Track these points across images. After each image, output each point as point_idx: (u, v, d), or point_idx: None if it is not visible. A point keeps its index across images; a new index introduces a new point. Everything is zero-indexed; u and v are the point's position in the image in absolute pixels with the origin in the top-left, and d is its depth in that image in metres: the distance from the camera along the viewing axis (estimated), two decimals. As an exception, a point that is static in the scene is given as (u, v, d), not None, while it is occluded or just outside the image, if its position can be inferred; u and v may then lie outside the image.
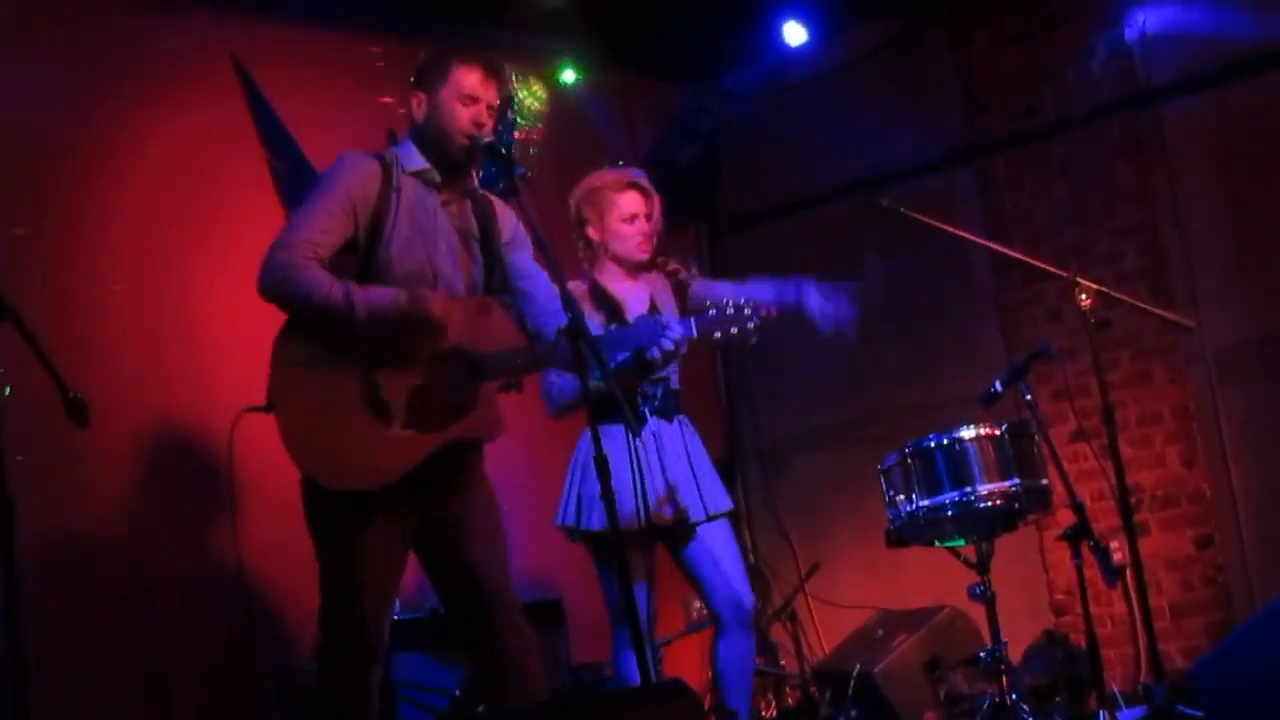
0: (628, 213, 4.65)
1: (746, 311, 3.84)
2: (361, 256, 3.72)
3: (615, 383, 3.61)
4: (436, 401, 3.66)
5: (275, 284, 3.60)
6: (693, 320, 3.87)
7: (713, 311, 3.86)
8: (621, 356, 3.84)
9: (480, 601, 3.80)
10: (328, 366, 3.63)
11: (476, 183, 3.96)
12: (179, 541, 5.21)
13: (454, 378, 3.69)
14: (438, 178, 3.86)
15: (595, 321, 4.41)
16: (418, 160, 3.85)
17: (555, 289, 3.86)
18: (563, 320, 3.61)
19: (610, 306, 4.58)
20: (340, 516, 3.67)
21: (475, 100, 3.82)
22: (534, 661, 3.82)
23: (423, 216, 3.81)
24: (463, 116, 3.80)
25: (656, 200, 4.72)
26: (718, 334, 3.83)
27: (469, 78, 3.83)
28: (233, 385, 4.65)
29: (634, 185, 4.70)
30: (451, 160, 3.84)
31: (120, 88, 5.37)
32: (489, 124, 3.83)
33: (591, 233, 4.67)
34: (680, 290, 4.72)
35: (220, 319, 5.30)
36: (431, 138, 3.85)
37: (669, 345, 3.80)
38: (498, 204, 4.01)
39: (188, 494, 5.25)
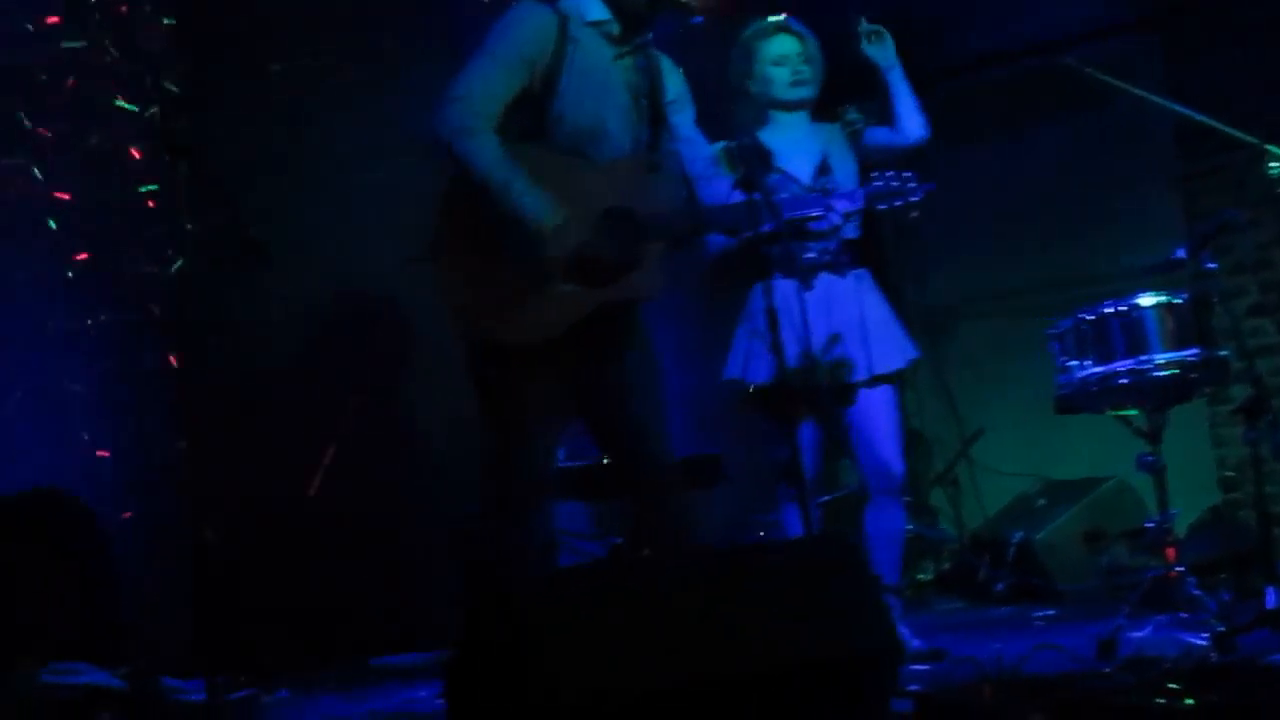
0: (776, 55, 4.59)
1: (911, 184, 3.98)
2: (533, 109, 3.67)
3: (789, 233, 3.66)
4: (601, 261, 3.62)
5: (451, 142, 3.56)
6: (861, 191, 4.02)
7: (878, 183, 4.01)
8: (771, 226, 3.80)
9: (636, 459, 3.83)
10: (494, 222, 3.57)
11: (651, 38, 3.87)
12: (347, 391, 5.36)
13: (619, 238, 3.63)
14: (616, 30, 3.78)
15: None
16: (599, 10, 3.77)
17: (710, 155, 3.96)
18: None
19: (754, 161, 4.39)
20: (505, 370, 3.67)
21: None
22: (686, 517, 3.85)
23: (597, 71, 3.74)
24: None
25: (811, 41, 4.63)
26: (882, 205, 4.02)
27: None
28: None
29: (782, 29, 4.62)
30: (634, 10, 3.77)
31: None
32: None
33: (750, 87, 4.62)
34: (855, 139, 4.63)
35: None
36: None
37: (836, 220, 4.04)
38: (666, 62, 3.94)
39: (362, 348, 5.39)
